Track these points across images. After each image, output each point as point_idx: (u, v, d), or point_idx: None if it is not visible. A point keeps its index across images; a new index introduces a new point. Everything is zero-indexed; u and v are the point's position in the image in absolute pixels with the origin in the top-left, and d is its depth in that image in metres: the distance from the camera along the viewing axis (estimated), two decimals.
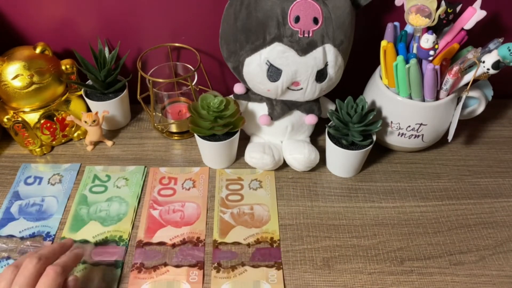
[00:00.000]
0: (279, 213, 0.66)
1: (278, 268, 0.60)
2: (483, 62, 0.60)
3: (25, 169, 0.72)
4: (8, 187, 0.69)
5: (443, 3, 0.63)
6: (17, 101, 0.69)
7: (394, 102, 0.68)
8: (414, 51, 0.64)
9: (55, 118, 0.73)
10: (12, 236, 0.63)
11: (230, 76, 0.80)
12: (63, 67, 0.72)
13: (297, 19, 0.59)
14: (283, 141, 0.73)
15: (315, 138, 0.77)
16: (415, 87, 0.64)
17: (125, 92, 0.76)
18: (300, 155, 0.69)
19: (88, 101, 0.75)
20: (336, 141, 0.68)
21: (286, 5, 0.59)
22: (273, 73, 0.62)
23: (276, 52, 0.61)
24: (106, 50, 0.75)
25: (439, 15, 0.61)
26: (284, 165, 0.72)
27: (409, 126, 0.69)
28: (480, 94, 0.69)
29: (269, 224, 0.65)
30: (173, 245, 0.62)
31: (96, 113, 0.72)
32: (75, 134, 0.76)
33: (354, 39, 0.66)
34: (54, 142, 0.75)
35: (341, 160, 0.70)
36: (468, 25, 0.64)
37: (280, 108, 0.69)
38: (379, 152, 0.75)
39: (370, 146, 0.67)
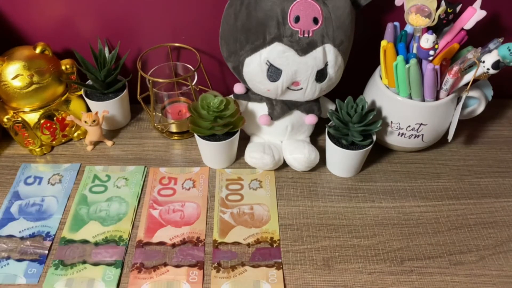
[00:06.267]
0: (279, 213, 0.66)
1: (278, 268, 0.60)
2: (483, 62, 0.60)
3: (25, 169, 0.72)
4: (8, 187, 0.69)
5: (443, 3, 0.63)
6: (17, 101, 0.69)
7: (394, 102, 0.68)
8: (414, 51, 0.64)
9: (55, 118, 0.73)
10: (12, 236, 0.63)
11: (230, 76, 0.80)
12: (63, 67, 0.72)
13: (297, 19, 0.59)
14: (283, 141, 0.73)
15: (315, 138, 0.77)
16: (415, 87, 0.64)
17: (125, 92, 0.76)
18: (300, 155, 0.69)
19: (88, 101, 0.75)
20: (336, 141, 0.68)
21: (286, 5, 0.59)
22: (273, 73, 0.62)
23: (276, 52, 0.61)
24: (106, 50, 0.75)
25: (439, 15, 0.61)
26: (284, 165, 0.72)
27: (409, 126, 0.69)
28: (480, 94, 0.69)
29: (269, 224, 0.65)
30: (173, 245, 0.62)
31: (96, 113, 0.72)
32: (75, 134, 0.76)
33: (354, 39, 0.66)
34: (54, 142, 0.75)
35: (341, 160, 0.70)
36: (468, 25, 0.64)
37: (280, 108, 0.69)
38: (379, 152, 0.75)
39: (370, 146, 0.67)
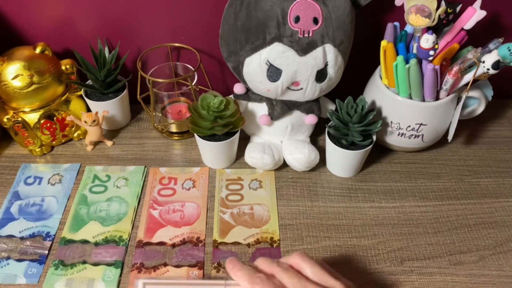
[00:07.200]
0: (279, 213, 0.66)
1: None
2: (483, 62, 0.60)
3: (25, 169, 0.72)
4: (8, 187, 0.69)
5: (443, 3, 0.63)
6: (17, 101, 0.69)
7: (394, 102, 0.68)
8: (414, 51, 0.64)
9: (55, 118, 0.72)
10: (12, 236, 0.62)
11: (230, 76, 0.80)
12: (63, 67, 0.72)
13: (297, 19, 0.59)
14: (283, 141, 0.73)
15: (315, 138, 0.77)
16: (415, 87, 0.64)
17: (125, 92, 0.76)
18: (300, 155, 0.69)
19: (88, 101, 0.75)
20: (336, 141, 0.68)
21: (286, 5, 0.59)
22: (273, 73, 0.62)
23: (276, 52, 0.61)
24: (106, 50, 0.75)
25: (439, 15, 0.61)
26: (284, 165, 0.72)
27: (409, 126, 0.69)
28: (480, 94, 0.69)
29: (269, 224, 0.65)
30: (173, 245, 0.62)
31: (96, 113, 0.72)
32: (75, 134, 0.76)
33: (354, 39, 0.66)
34: (54, 142, 0.75)
35: (341, 160, 0.70)
36: (468, 25, 0.64)
37: (280, 108, 0.69)
38: (379, 152, 0.75)
39: (370, 146, 0.67)
